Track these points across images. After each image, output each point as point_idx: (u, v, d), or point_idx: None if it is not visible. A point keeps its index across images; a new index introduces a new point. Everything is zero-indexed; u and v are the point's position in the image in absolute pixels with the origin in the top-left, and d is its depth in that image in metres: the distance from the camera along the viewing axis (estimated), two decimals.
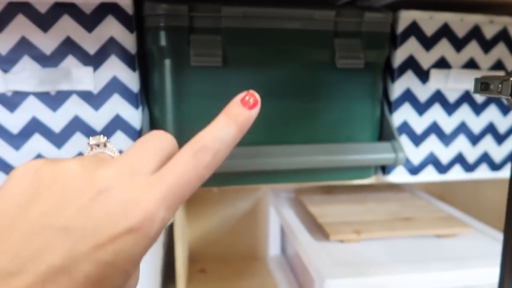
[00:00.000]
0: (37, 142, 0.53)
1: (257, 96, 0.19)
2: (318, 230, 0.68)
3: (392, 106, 0.64)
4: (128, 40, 0.53)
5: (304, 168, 0.58)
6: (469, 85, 0.64)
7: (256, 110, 0.19)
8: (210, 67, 0.55)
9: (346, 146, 0.60)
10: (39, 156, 0.54)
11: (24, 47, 0.51)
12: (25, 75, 0.51)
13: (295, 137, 0.59)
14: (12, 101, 0.51)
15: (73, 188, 0.17)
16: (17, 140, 0.53)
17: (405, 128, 0.65)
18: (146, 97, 0.58)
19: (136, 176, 0.18)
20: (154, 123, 0.57)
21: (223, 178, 0.59)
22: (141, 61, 0.57)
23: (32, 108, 0.52)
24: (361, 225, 0.67)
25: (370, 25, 0.59)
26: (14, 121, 0.52)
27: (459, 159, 0.68)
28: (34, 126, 0.53)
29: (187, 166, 0.18)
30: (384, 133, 0.65)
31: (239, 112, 0.18)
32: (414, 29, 0.62)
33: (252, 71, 0.57)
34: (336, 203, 0.79)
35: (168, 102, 0.56)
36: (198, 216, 0.91)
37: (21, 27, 0.50)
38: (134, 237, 0.17)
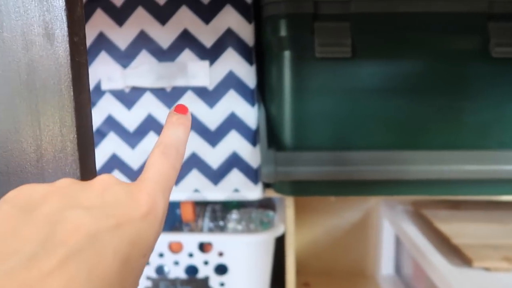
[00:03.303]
0: (152, 141, 0.51)
1: (185, 105, 0.24)
2: (453, 252, 0.58)
3: None
4: (246, 31, 0.49)
5: (447, 178, 0.49)
6: None
7: (189, 114, 0.24)
8: (336, 59, 0.48)
9: (499, 154, 0.49)
10: None
11: (142, 41, 0.49)
12: (144, 70, 0.49)
13: (435, 142, 0.51)
14: (130, 97, 0.50)
15: (78, 190, 0.19)
16: (133, 138, 0.51)
17: None
18: (262, 93, 0.53)
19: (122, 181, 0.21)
20: (270, 122, 0.52)
21: (348, 187, 0.52)
22: (257, 54, 0.52)
23: (148, 105, 0.50)
24: (510, 251, 0.55)
25: None
26: (131, 119, 0.51)
27: None
28: (150, 124, 0.51)
29: (161, 162, 0.21)
30: None
31: (178, 117, 0.23)
32: None
33: (385, 63, 0.49)
34: (469, 221, 0.67)
35: (287, 98, 0.50)
36: (303, 226, 0.85)
37: (140, 20, 0.48)
38: (148, 221, 0.19)
